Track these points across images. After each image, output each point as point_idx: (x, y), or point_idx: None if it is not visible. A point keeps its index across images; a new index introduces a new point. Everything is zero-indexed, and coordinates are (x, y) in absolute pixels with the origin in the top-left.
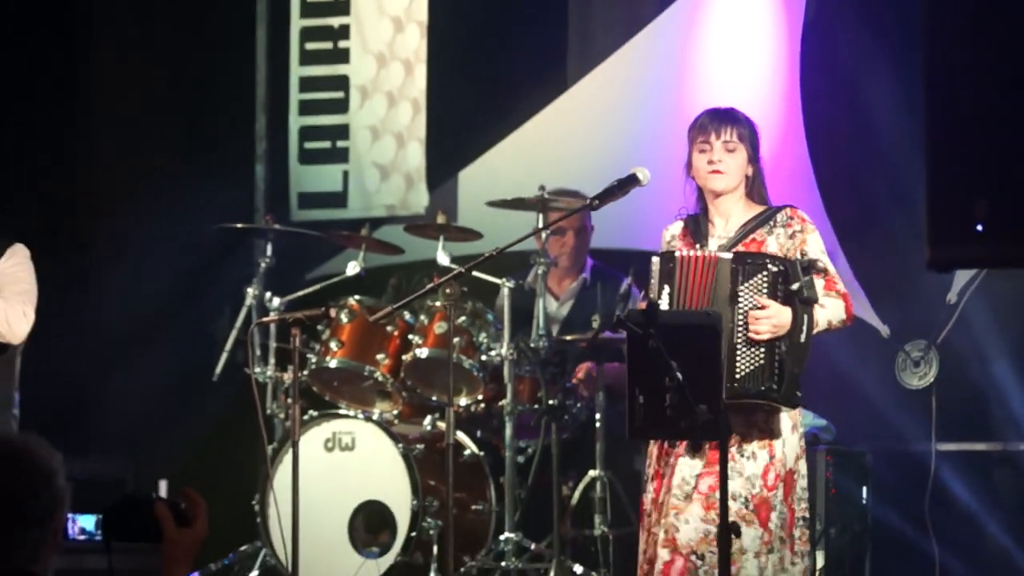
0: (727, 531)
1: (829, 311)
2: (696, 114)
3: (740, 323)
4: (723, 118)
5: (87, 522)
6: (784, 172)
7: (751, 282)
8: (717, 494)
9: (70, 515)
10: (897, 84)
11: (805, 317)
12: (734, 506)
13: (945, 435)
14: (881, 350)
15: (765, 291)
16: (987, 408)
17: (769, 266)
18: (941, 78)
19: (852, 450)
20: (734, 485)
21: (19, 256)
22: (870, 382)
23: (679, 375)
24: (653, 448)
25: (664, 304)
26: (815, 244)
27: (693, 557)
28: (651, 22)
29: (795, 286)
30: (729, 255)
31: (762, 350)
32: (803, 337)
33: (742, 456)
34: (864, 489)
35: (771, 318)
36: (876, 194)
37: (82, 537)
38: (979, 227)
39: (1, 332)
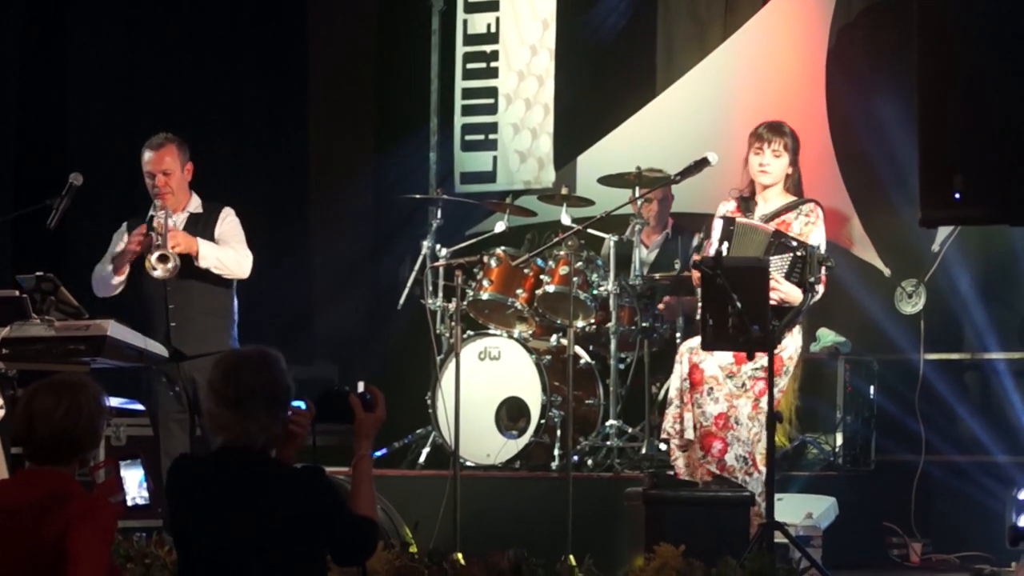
0: (773, 418)
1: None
2: (751, 115)
3: None
4: (775, 131)
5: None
6: (812, 154)
7: (778, 256)
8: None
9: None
10: (896, 89)
11: (808, 298)
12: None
13: (930, 348)
14: (884, 285)
15: (785, 268)
16: (961, 328)
17: (796, 251)
18: (930, 88)
19: (863, 359)
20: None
21: (231, 215)
22: (876, 309)
23: (738, 304)
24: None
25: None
26: (817, 235)
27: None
28: (717, 47)
29: (811, 279)
30: (771, 229)
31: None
32: (798, 311)
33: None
34: (871, 387)
35: (785, 294)
36: (881, 170)
37: None
38: (957, 195)
39: (236, 273)
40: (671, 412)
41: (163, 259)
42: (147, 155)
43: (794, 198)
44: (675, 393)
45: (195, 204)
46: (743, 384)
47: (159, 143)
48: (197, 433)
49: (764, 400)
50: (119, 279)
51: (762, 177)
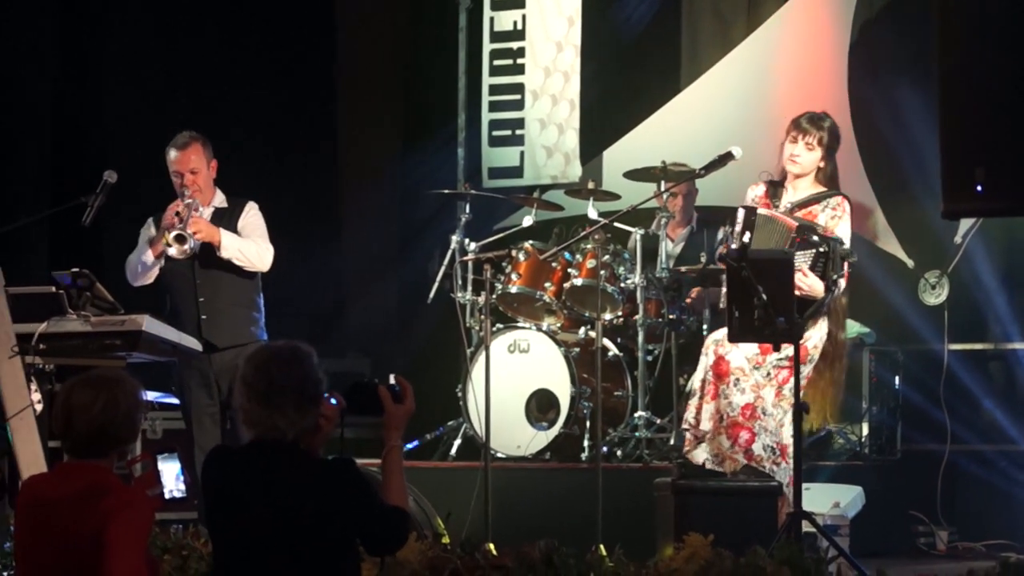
0: (799, 409)
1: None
2: (774, 109)
3: None
4: (814, 123)
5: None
6: None
7: (802, 251)
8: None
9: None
10: (918, 83)
11: (830, 295)
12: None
13: (954, 338)
14: (907, 277)
15: (808, 263)
16: (984, 318)
17: (819, 247)
18: (951, 82)
19: (887, 349)
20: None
21: (254, 210)
22: (900, 300)
23: (764, 296)
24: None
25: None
26: (843, 229)
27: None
28: (741, 43)
29: (834, 276)
30: (795, 224)
31: None
32: (820, 305)
33: (776, 350)
34: (896, 378)
35: (809, 287)
36: (904, 163)
37: None
38: (979, 188)
39: (257, 265)
40: (692, 403)
41: (180, 239)
42: (173, 155)
43: (824, 189)
44: (698, 384)
45: (219, 199)
46: (768, 373)
47: (184, 142)
48: (228, 426)
49: (787, 388)
50: (152, 258)
51: (791, 167)
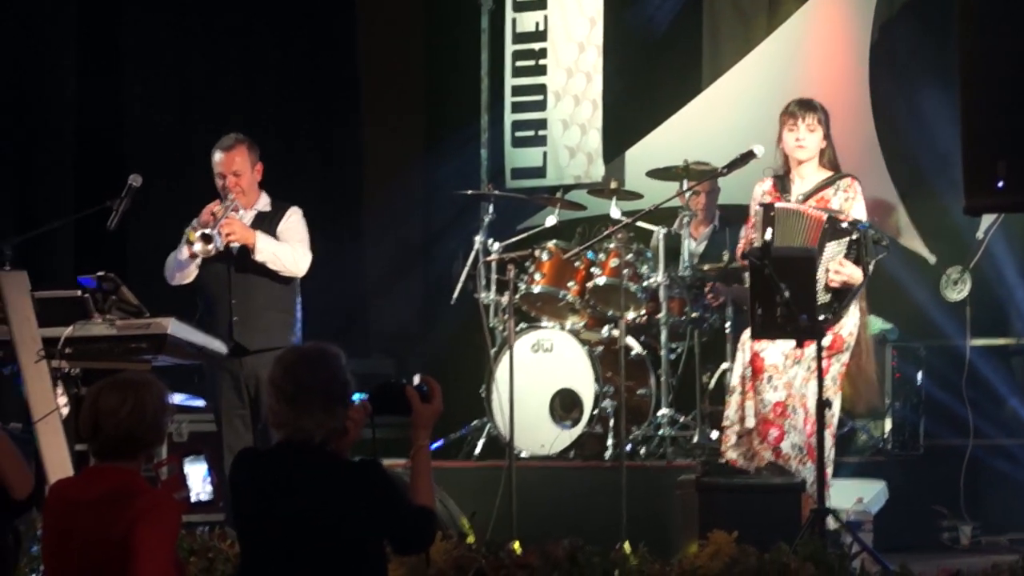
0: (822, 405)
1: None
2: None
3: (820, 269)
4: (806, 107)
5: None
6: (857, 144)
7: (835, 241)
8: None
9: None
10: (938, 80)
11: (867, 280)
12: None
13: (976, 333)
14: (929, 273)
15: (844, 251)
16: (1007, 314)
17: (851, 234)
18: (972, 79)
19: (910, 345)
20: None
21: (296, 215)
22: (922, 296)
23: (786, 293)
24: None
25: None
26: (858, 210)
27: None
28: (762, 41)
29: (868, 260)
30: (824, 216)
31: (829, 294)
32: (856, 291)
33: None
34: (919, 373)
35: (849, 276)
36: (925, 159)
37: None
38: (1000, 183)
39: (292, 269)
40: (734, 399)
41: (205, 238)
42: (217, 156)
43: (830, 173)
44: (737, 381)
45: (264, 203)
46: (809, 367)
47: (229, 144)
48: (259, 427)
49: (829, 378)
50: (187, 256)
51: (799, 152)
